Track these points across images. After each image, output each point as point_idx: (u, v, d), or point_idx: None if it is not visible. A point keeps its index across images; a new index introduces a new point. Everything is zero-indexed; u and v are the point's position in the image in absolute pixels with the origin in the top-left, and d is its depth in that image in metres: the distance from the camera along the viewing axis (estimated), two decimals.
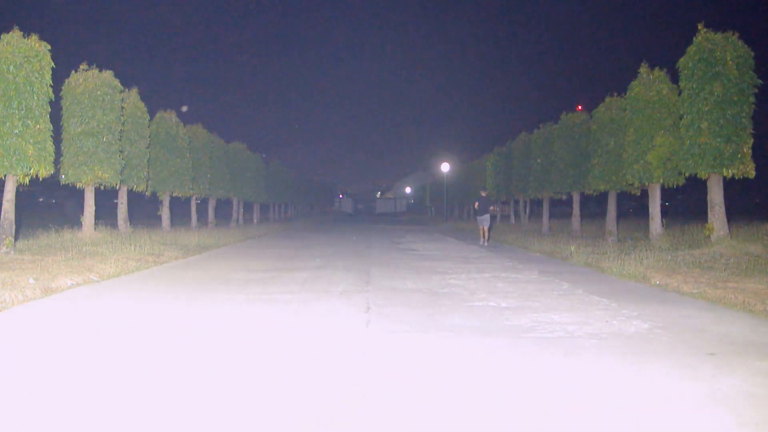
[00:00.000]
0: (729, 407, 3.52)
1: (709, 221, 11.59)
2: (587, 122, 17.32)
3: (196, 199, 22.99)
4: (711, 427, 3.27)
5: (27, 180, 11.20)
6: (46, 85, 11.36)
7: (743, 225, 14.25)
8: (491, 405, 3.58)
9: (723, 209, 11.55)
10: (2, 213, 11.07)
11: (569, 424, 3.29)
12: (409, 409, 3.48)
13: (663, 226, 13.94)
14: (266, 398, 3.68)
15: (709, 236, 11.60)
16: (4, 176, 11.04)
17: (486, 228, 17.54)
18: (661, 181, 13.34)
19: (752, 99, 11.14)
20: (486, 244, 17.38)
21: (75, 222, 15.27)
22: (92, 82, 13.97)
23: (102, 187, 14.81)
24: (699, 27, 11.49)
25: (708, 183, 11.59)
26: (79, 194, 15.20)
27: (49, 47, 11.51)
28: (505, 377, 4.14)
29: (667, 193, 17.05)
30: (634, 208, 35.40)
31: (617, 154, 15.07)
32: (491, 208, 19.52)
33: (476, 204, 18.27)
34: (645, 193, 14.46)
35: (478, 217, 17.82)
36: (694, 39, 11.52)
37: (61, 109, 13.85)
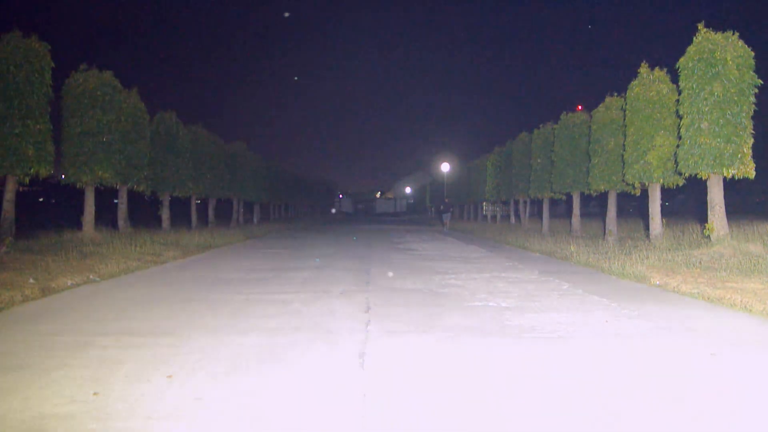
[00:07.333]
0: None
1: (709, 221, 11.58)
2: (587, 122, 17.31)
3: (196, 200, 22.98)
4: None
5: (27, 180, 11.19)
6: (46, 85, 11.36)
7: (743, 225, 14.24)
8: (490, 405, 3.58)
9: (723, 209, 11.54)
10: (2, 213, 11.07)
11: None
12: (409, 409, 3.48)
13: (663, 226, 13.93)
14: (265, 397, 3.69)
15: (709, 236, 11.59)
16: (4, 176, 11.05)
17: (448, 221, 29.58)
18: (661, 181, 13.33)
19: (752, 99, 11.11)
20: (446, 231, 27.30)
21: (75, 222, 15.26)
22: (92, 82, 13.97)
23: (102, 187, 14.81)
24: (699, 27, 11.47)
25: (708, 183, 11.58)
26: (79, 194, 15.19)
27: (49, 47, 11.51)
28: (504, 377, 4.14)
29: (667, 193, 17.05)
30: (634, 208, 35.34)
31: (617, 154, 15.05)
32: (450, 208, 31.89)
33: (441, 206, 31.94)
34: (645, 193, 14.44)
35: (443, 215, 30.16)
36: (694, 39, 11.50)
37: (61, 109, 13.85)
